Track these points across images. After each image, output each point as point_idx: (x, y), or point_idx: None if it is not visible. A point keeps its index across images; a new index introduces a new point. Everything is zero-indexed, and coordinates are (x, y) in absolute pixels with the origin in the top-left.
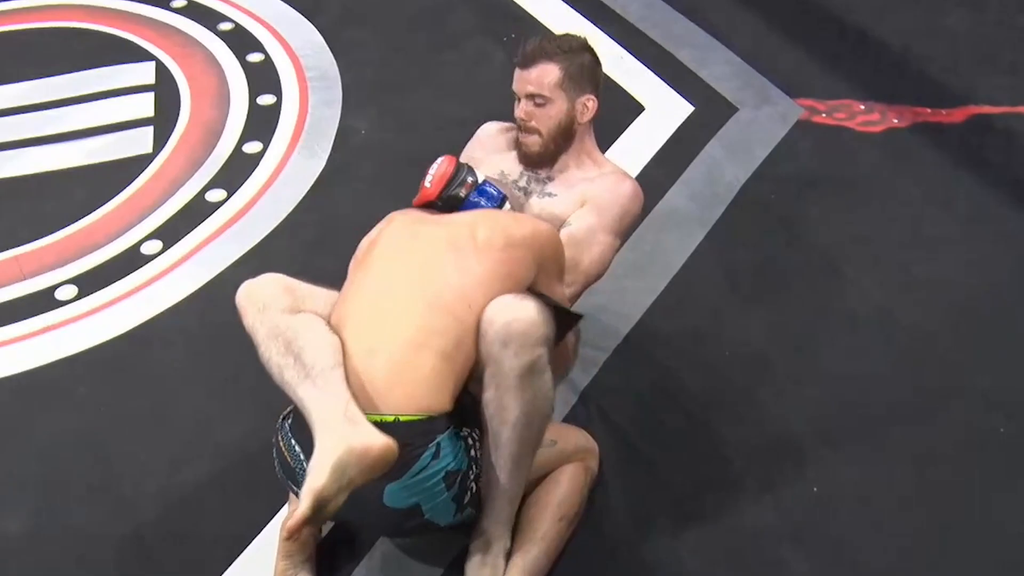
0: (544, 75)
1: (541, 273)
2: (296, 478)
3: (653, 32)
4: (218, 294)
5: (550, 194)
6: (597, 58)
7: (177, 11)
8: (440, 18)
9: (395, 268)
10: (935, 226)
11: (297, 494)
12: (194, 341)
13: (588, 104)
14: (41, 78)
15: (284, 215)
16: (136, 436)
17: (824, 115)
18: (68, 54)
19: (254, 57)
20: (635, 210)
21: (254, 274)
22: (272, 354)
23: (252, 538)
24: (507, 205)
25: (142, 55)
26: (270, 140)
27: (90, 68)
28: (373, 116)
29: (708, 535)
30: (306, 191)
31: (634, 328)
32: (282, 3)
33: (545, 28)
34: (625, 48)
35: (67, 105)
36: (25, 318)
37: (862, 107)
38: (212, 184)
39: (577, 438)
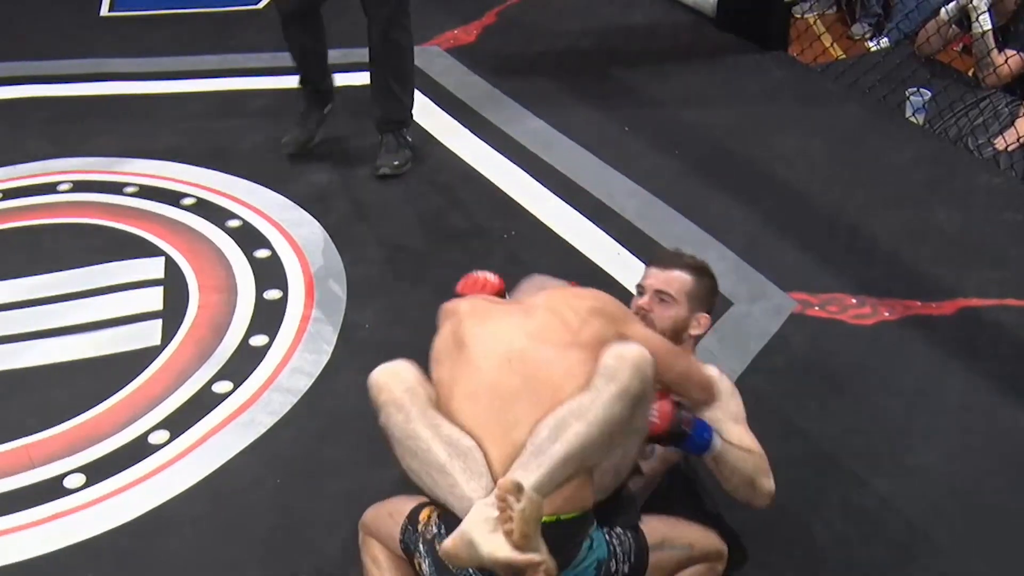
0: (677, 279)
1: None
2: None
3: (650, 229)
4: (224, 484)
5: None
6: (716, 283)
7: (187, 208)
8: (443, 217)
9: (502, 388)
10: (927, 417)
11: None
12: (200, 531)
13: (702, 320)
14: (53, 272)
15: (289, 407)
16: None
17: (817, 308)
18: (80, 249)
19: (261, 253)
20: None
21: (260, 464)
22: (421, 430)
23: None
24: (715, 441)
25: (152, 251)
26: (276, 334)
27: (101, 263)
28: (377, 311)
29: None
30: (311, 384)
31: None
32: (289, 202)
33: (545, 226)
34: (622, 244)
35: (78, 299)
36: (33, 506)
37: (854, 301)
38: (219, 376)
39: (710, 540)
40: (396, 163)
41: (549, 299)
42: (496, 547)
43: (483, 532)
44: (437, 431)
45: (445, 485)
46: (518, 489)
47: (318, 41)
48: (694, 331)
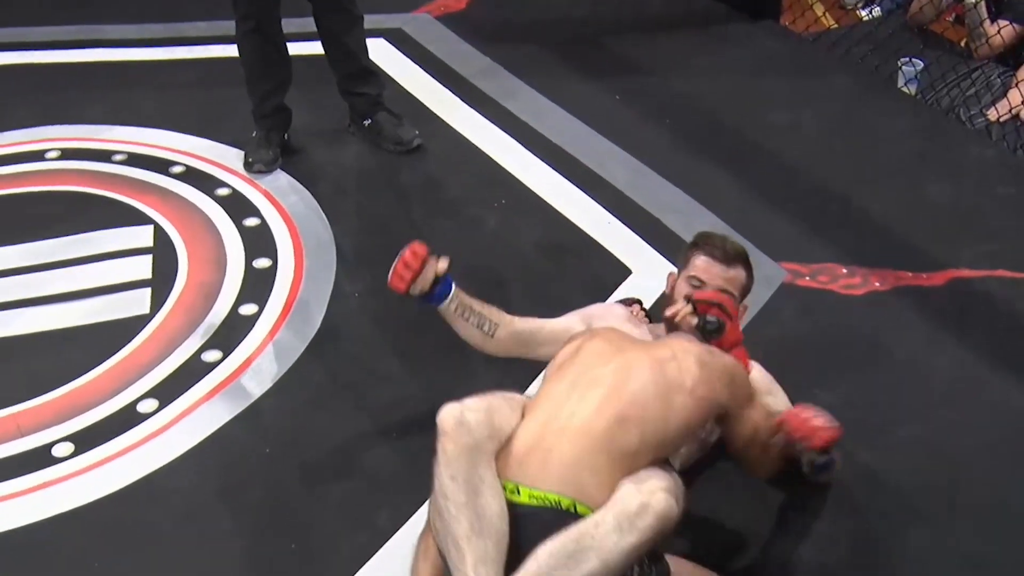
0: (738, 278)
1: (733, 405)
2: None
3: (640, 198)
4: (213, 453)
5: None
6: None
7: (175, 177)
8: (434, 186)
9: (596, 374)
10: (918, 388)
11: None
12: (188, 499)
13: (742, 310)
14: (40, 240)
15: (279, 376)
16: None
17: (807, 278)
18: (68, 217)
19: (250, 222)
20: None
21: (249, 434)
22: (457, 495)
23: None
24: None
25: (141, 219)
26: (265, 302)
27: (89, 231)
28: (366, 280)
29: None
30: (300, 352)
31: None
32: (278, 170)
33: (536, 195)
34: (613, 213)
35: (66, 267)
36: (21, 475)
37: (844, 271)
38: (208, 345)
39: None
40: (417, 131)
41: (683, 346)
42: None
43: None
44: (475, 499)
45: (456, 557)
46: None
47: (279, 51)
48: (740, 319)
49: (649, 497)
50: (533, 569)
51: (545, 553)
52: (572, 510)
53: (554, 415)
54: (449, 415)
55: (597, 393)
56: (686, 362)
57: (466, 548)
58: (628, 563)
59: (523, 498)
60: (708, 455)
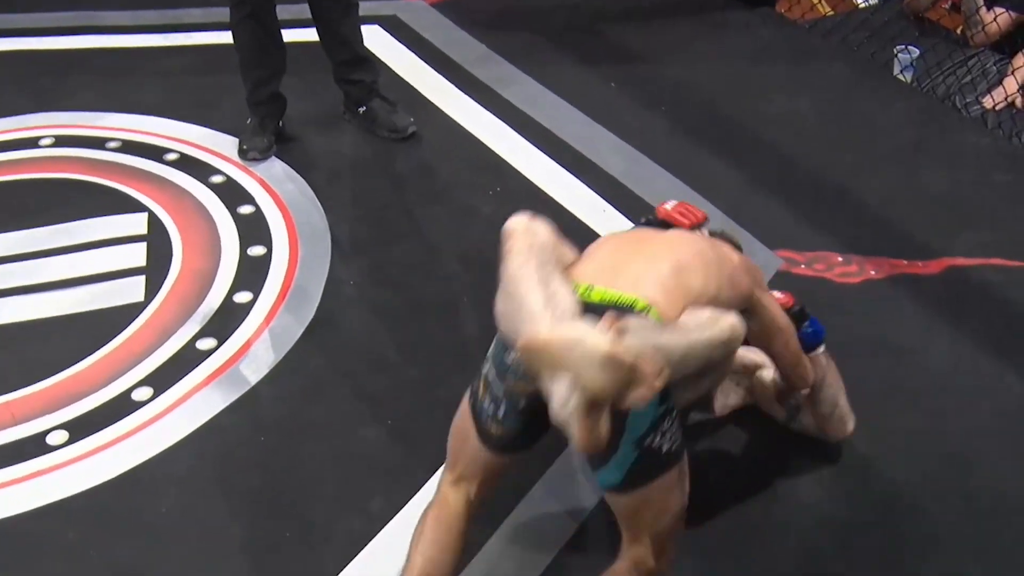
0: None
1: (757, 289)
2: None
3: (635, 186)
4: (208, 442)
5: None
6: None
7: (170, 164)
8: (428, 173)
9: (640, 244)
10: (913, 376)
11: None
12: (183, 487)
13: None
14: (35, 228)
15: (274, 364)
16: None
17: (803, 266)
18: (61, 205)
19: (245, 209)
20: None
21: (244, 422)
22: (530, 276)
23: None
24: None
25: (135, 206)
26: (260, 290)
27: (83, 219)
28: (362, 268)
29: None
30: (295, 340)
31: None
32: (273, 157)
33: (531, 183)
34: (608, 201)
35: (60, 254)
36: (15, 463)
37: (840, 259)
38: (203, 333)
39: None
40: (412, 119)
41: (700, 239)
42: (609, 340)
43: (590, 331)
44: (546, 285)
45: (530, 328)
46: (622, 331)
47: (274, 38)
48: None
49: (717, 315)
50: (621, 323)
51: (632, 319)
52: (646, 313)
53: (611, 263)
54: (518, 221)
55: (650, 249)
56: (709, 252)
57: (541, 317)
58: (705, 356)
59: (595, 297)
60: (707, 432)
